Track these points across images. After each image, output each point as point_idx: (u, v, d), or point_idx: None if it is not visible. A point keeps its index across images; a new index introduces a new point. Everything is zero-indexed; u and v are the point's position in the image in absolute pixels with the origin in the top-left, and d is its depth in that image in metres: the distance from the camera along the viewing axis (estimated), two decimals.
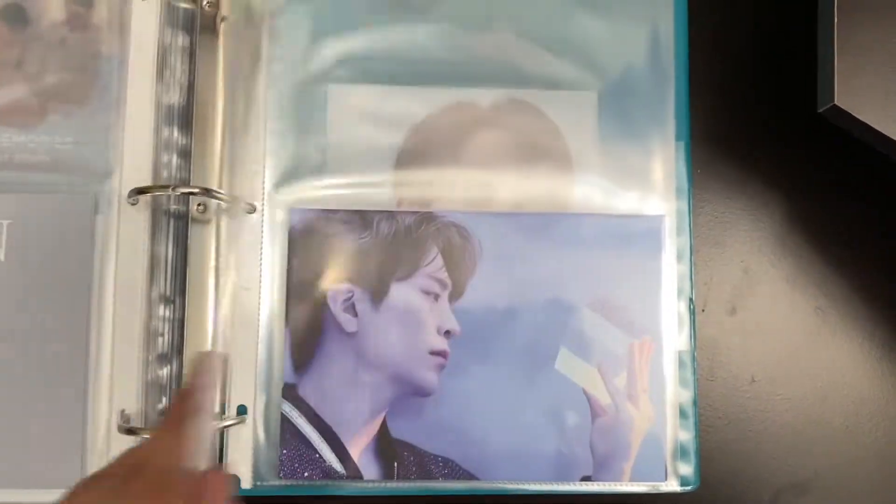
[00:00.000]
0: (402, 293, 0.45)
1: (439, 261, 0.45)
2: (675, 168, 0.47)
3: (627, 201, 0.46)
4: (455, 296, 0.45)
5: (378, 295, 0.45)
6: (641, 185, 0.47)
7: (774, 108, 0.50)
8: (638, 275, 0.46)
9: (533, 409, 0.45)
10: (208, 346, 0.43)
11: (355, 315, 0.45)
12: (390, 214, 0.45)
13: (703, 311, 0.48)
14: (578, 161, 0.47)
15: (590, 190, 0.46)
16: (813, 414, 0.48)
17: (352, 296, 0.45)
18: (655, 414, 0.45)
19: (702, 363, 0.48)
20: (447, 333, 0.45)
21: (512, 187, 0.46)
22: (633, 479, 0.45)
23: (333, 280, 0.45)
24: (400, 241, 0.45)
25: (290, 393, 0.44)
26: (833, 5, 0.45)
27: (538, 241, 0.46)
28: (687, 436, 0.45)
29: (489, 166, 0.46)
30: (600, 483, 0.44)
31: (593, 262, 0.46)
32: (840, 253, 0.49)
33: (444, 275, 0.45)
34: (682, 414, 0.45)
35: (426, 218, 0.45)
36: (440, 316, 0.45)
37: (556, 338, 0.45)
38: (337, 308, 0.44)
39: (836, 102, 0.44)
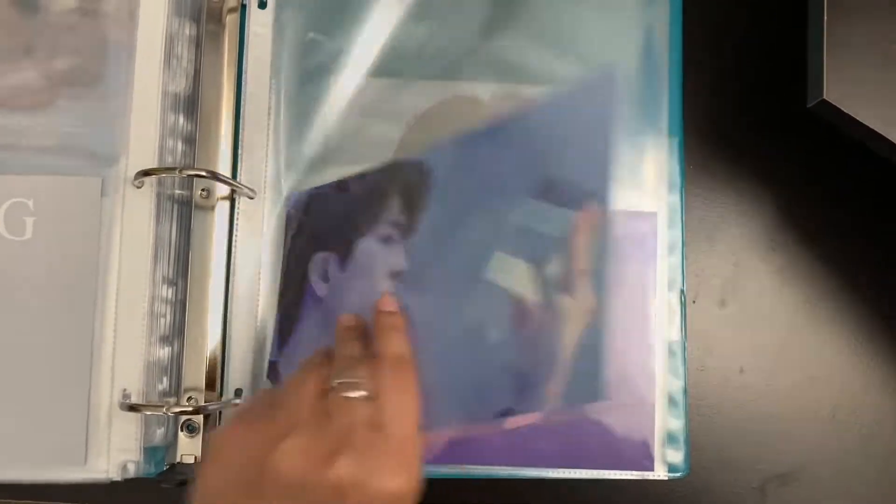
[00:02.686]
0: (363, 247, 0.42)
1: (396, 204, 0.41)
2: (668, 163, 0.46)
3: (621, 195, 0.46)
4: (409, 234, 0.41)
5: (345, 256, 0.42)
6: (635, 180, 0.46)
7: (765, 105, 0.50)
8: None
9: (455, 335, 0.37)
10: (209, 329, 0.43)
11: (327, 280, 0.43)
12: (361, 175, 0.43)
13: (693, 302, 0.48)
14: None
15: None
16: (800, 404, 0.48)
17: (327, 262, 0.43)
18: (598, 303, 0.34)
19: (692, 354, 0.47)
20: (396, 275, 0.40)
21: None
22: (565, 402, 0.34)
23: (315, 252, 0.43)
24: (368, 197, 0.43)
25: (273, 372, 0.44)
26: (823, 1, 0.45)
27: (497, 150, 0.39)
28: (677, 424, 0.45)
29: None
30: (564, 471, 0.43)
31: (544, 147, 0.38)
32: (828, 247, 0.49)
33: (401, 217, 0.41)
34: (673, 402, 0.45)
35: (391, 167, 0.43)
36: (390, 258, 0.41)
37: (492, 243, 0.37)
38: (315, 278, 0.43)
39: (825, 97, 0.44)
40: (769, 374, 0.48)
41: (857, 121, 0.44)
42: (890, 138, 0.44)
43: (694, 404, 0.47)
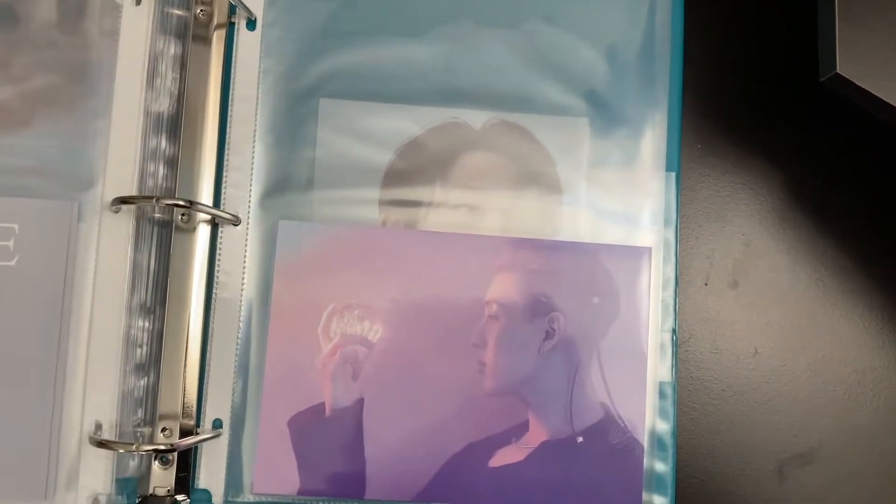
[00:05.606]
0: None
1: None
2: (664, 198, 0.44)
3: (615, 230, 0.43)
4: None
5: None
6: (630, 214, 0.43)
7: (775, 79, 0.47)
8: None
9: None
10: (187, 358, 0.41)
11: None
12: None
13: (706, 285, 0.46)
14: (567, 188, 0.43)
15: (578, 217, 0.43)
16: (815, 384, 0.46)
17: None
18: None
19: (705, 336, 0.45)
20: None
21: (500, 211, 0.43)
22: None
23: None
24: None
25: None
26: None
27: None
28: (664, 468, 0.42)
29: (478, 188, 0.43)
30: None
31: None
32: (840, 225, 0.46)
33: None
34: (661, 446, 0.42)
35: None
36: None
37: None
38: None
39: (838, 70, 0.41)
40: (784, 354, 0.46)
41: (872, 94, 0.41)
42: None
43: (709, 387, 0.45)
